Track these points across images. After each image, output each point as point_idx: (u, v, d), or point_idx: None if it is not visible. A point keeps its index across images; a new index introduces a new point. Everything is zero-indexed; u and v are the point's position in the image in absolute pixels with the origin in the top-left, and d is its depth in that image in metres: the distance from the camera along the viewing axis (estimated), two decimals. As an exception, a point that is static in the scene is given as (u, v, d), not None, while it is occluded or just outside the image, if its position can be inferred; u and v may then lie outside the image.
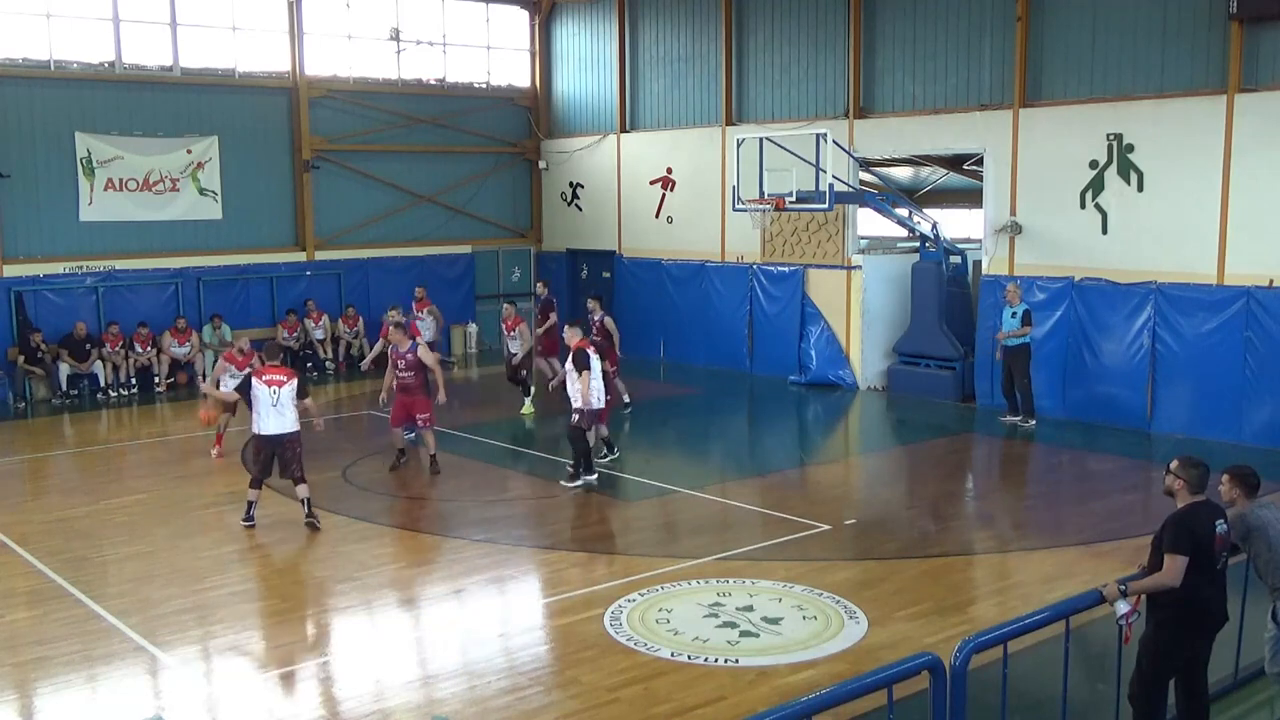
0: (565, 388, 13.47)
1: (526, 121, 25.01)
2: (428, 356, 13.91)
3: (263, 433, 11.42)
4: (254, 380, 11.46)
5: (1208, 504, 6.36)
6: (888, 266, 19.18)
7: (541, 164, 24.98)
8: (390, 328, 14.47)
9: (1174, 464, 6.48)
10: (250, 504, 11.58)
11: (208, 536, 11.47)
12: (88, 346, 19.22)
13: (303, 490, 11.55)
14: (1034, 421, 16.01)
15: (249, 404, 11.55)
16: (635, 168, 22.98)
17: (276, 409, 11.36)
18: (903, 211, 18.44)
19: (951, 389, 17.87)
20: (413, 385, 13.72)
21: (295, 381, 11.56)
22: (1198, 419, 15.17)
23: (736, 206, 18.22)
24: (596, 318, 16.83)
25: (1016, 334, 15.93)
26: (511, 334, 17.29)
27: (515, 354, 17.31)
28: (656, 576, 9.93)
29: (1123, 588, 6.26)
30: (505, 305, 18.13)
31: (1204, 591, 6.28)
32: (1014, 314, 15.98)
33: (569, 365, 13.20)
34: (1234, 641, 7.24)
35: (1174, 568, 6.15)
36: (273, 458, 11.47)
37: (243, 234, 21.56)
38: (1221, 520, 6.37)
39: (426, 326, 19.59)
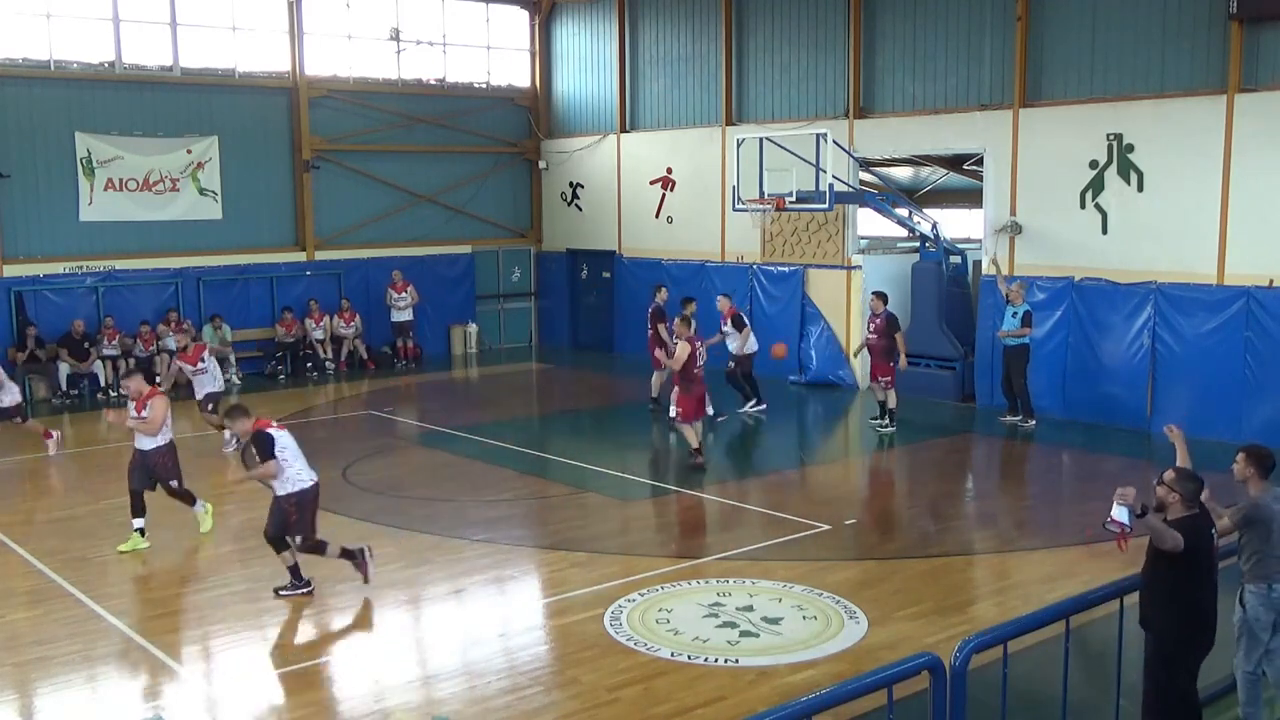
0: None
1: (526, 121, 25.01)
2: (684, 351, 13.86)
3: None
4: None
5: (1204, 514, 6.34)
6: (888, 266, 19.17)
7: (541, 164, 24.97)
8: (677, 322, 14.34)
9: (1168, 476, 6.38)
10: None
11: (208, 536, 11.46)
12: (86, 345, 19.21)
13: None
14: (1034, 422, 15.99)
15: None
16: (635, 168, 22.98)
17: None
18: (903, 211, 18.44)
19: (951, 389, 17.87)
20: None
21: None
22: (1198, 419, 15.10)
23: (736, 206, 18.22)
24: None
25: (1015, 334, 15.81)
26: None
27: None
28: (656, 576, 9.93)
29: (1140, 510, 6.19)
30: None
31: (1203, 596, 6.28)
32: (1015, 314, 15.84)
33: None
34: (1233, 641, 7.23)
35: (1175, 537, 6.08)
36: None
37: (243, 234, 21.56)
38: (1213, 528, 6.38)
39: (404, 304, 22.24)
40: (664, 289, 18.46)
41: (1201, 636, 6.36)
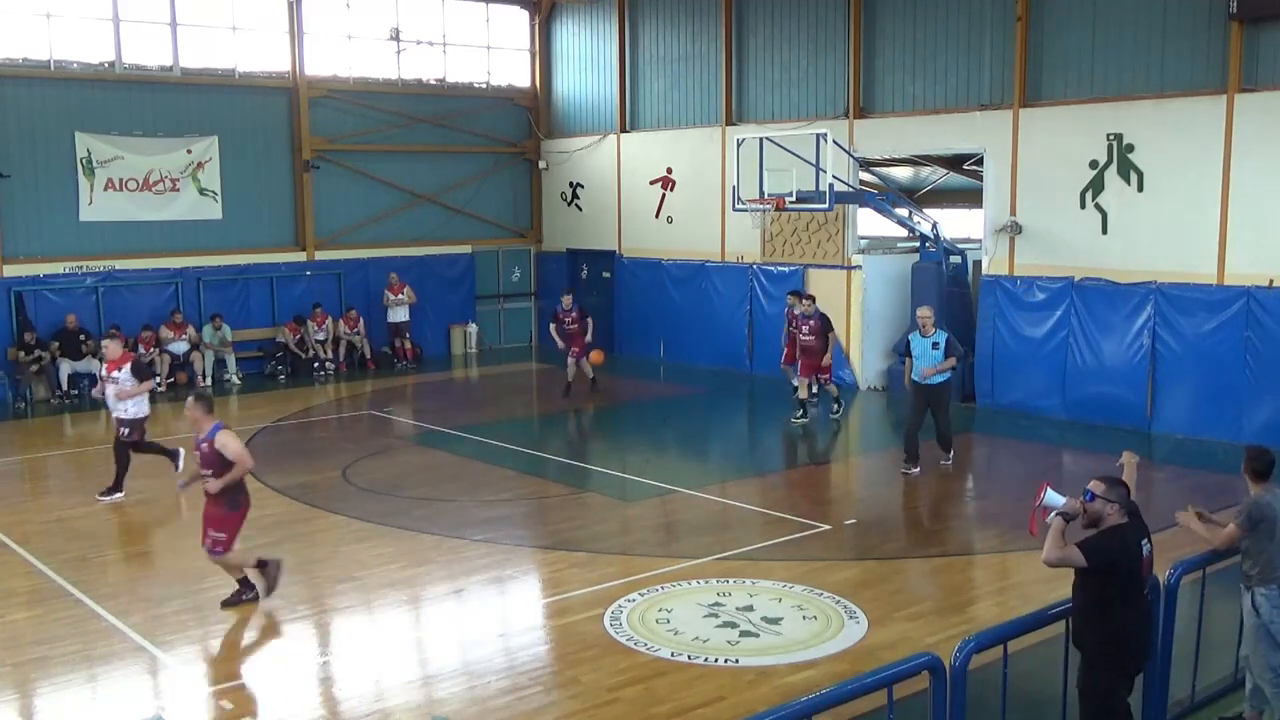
0: None
1: (526, 121, 25.01)
2: (231, 446, 9.16)
3: None
4: None
5: (1133, 524, 5.99)
6: (888, 266, 19.17)
7: (541, 164, 24.98)
8: (190, 402, 9.42)
9: (1099, 488, 5.96)
10: None
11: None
12: (82, 338, 19.16)
13: None
14: (951, 456, 13.91)
15: None
16: (635, 168, 22.98)
17: None
18: (903, 211, 18.44)
19: (951, 389, 17.81)
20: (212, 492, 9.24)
21: None
22: (1198, 419, 15.17)
23: (736, 206, 18.22)
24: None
25: (944, 368, 13.28)
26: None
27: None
28: (656, 576, 9.93)
29: (1063, 514, 5.97)
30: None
31: (1129, 617, 5.96)
32: (935, 344, 13.27)
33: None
34: (1234, 641, 7.24)
35: (1072, 555, 5.82)
36: None
37: (243, 234, 21.57)
38: (1147, 540, 6.03)
39: (402, 306, 22.25)
40: (570, 294, 19.48)
41: (1128, 659, 6.04)
